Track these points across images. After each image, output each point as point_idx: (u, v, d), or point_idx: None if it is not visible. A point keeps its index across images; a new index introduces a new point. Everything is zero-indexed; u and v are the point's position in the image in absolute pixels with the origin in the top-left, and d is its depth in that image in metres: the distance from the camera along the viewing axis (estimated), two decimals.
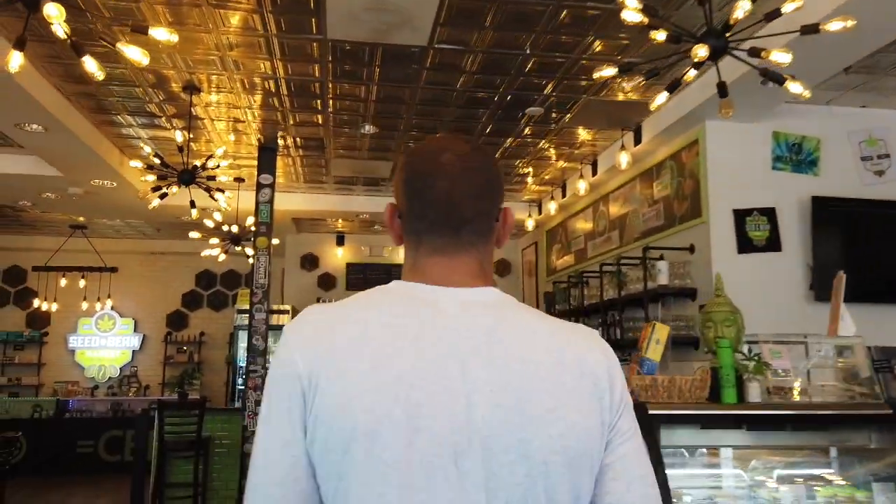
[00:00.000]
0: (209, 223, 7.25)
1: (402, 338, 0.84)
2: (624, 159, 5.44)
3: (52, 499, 7.62)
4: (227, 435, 6.92)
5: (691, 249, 5.03)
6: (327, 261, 9.65)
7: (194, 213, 5.41)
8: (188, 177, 4.85)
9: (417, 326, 0.85)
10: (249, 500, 0.84)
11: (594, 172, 6.47)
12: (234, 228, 7.07)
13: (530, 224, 8.03)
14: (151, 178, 4.98)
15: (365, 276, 9.70)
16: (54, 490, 8.11)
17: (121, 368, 10.85)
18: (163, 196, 5.06)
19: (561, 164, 6.76)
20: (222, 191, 5.30)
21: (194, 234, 7.13)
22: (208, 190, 5.15)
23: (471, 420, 0.81)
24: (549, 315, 0.95)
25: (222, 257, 7.54)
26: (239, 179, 7.30)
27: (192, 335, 11.04)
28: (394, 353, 0.83)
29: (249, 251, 7.30)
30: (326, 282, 9.62)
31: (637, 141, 5.52)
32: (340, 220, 8.93)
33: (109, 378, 10.75)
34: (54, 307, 10.20)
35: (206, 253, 7.52)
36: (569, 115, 5.46)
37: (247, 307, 9.17)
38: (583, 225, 7.36)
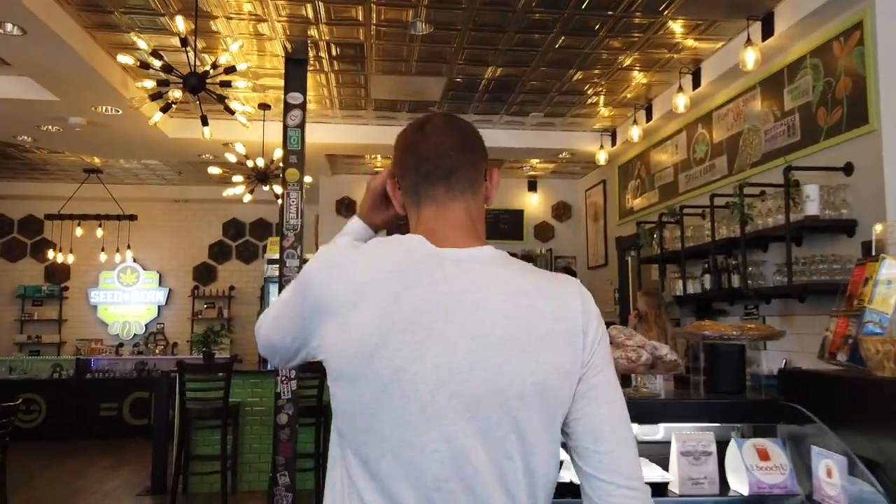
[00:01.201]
0: (231, 158, 6.23)
1: (404, 285, 0.98)
2: (751, 57, 4.21)
3: (72, 465, 6.91)
4: (259, 401, 6.03)
5: (847, 170, 3.84)
6: None
7: (207, 133, 4.36)
8: (196, 81, 3.77)
9: (415, 278, 0.99)
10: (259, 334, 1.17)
11: (696, 84, 5.23)
12: (261, 162, 6.02)
13: (602, 157, 6.85)
14: (149, 83, 3.91)
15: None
16: (75, 456, 7.41)
17: (146, 325, 10.10)
18: (166, 108, 4.00)
19: (648, 77, 5.54)
20: (241, 105, 4.22)
21: (214, 170, 6.12)
22: (222, 101, 4.07)
23: (452, 360, 0.95)
24: (535, 268, 1.08)
25: (248, 198, 6.55)
26: (264, 106, 6.24)
27: (221, 289, 10.21)
28: (395, 298, 0.97)
29: (279, 190, 6.28)
30: None
31: (768, 33, 4.27)
32: (380, 158, 7.85)
33: (134, 335, 10.01)
34: (70, 259, 9.41)
35: (228, 192, 6.53)
36: (669, 9, 4.26)
37: (276, 256, 8.25)
38: (670, 155, 6.16)
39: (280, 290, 5.05)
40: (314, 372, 5.29)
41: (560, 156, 7.32)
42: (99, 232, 9.11)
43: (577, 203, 8.83)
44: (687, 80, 5.25)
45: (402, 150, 1.12)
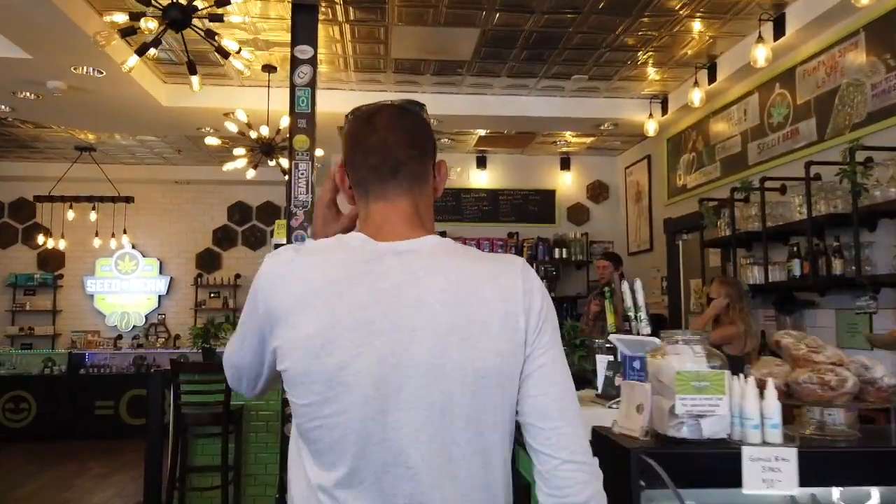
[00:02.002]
0: (232, 127, 5.47)
1: (347, 285, 1.01)
2: None
3: (61, 472, 6.24)
4: (265, 405, 5.30)
5: None
6: None
7: (196, 83, 3.59)
8: (179, 14, 2.98)
9: (355, 277, 1.02)
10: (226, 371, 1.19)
11: (778, 34, 4.41)
12: (265, 131, 5.25)
13: (651, 127, 6.03)
14: (121, 17, 3.12)
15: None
16: (66, 460, 6.75)
17: (146, 316, 9.40)
18: (142, 50, 3.22)
19: (715, 29, 4.71)
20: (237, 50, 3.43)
21: (212, 141, 5.36)
22: (212, 38, 3.28)
23: (394, 353, 0.98)
24: (479, 253, 1.10)
25: (251, 174, 5.79)
26: (269, 68, 5.47)
27: (227, 277, 9.49)
28: (339, 297, 1.00)
29: (287, 163, 5.53)
30: None
31: None
32: None
33: (134, 327, 9.32)
34: (62, 244, 8.71)
35: (229, 167, 5.76)
36: None
37: (283, 241, 7.51)
38: (736, 123, 5.34)
39: None
40: None
41: (601, 127, 6.51)
42: (93, 215, 8.39)
43: (614, 182, 8.02)
44: (768, 29, 4.42)
45: (349, 143, 1.13)
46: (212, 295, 9.46)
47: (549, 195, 7.98)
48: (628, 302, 3.24)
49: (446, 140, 7.31)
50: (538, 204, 7.94)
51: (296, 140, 4.28)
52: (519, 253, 7.58)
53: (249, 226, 9.74)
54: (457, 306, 1.00)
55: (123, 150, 8.31)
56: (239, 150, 5.56)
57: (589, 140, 7.34)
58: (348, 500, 0.99)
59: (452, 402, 0.99)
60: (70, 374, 7.92)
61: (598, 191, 8.03)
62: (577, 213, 7.98)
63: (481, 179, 7.91)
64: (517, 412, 1.05)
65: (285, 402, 4.40)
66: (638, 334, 3.22)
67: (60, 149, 8.20)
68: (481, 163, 7.92)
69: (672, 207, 6.48)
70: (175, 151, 8.42)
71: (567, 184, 7.99)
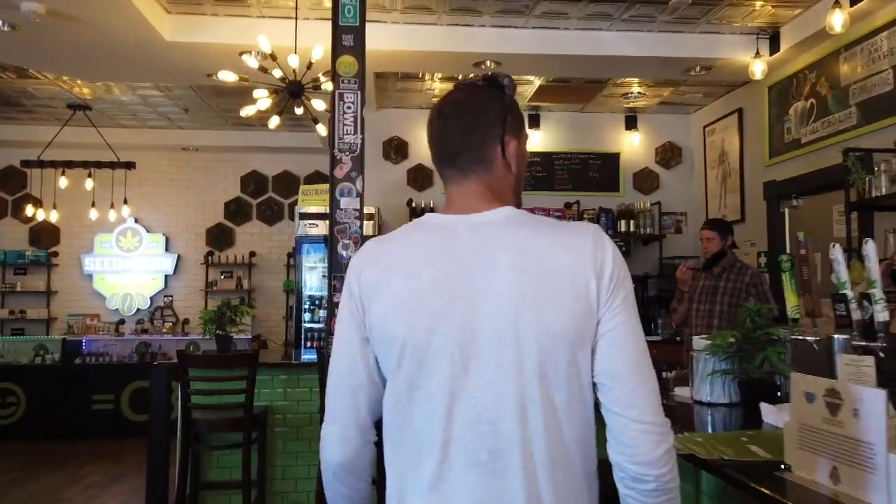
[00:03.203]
0: (252, 62, 4.42)
1: (423, 261, 1.11)
2: None
3: (49, 483, 5.29)
4: (296, 406, 4.30)
5: None
6: (420, 148, 6.80)
7: None
8: None
9: (435, 250, 1.12)
10: (329, 383, 1.21)
11: None
12: (294, 62, 4.18)
13: (758, 69, 4.95)
14: None
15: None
16: (58, 463, 5.80)
17: (151, 298, 8.42)
18: None
19: None
20: None
21: (227, 76, 4.28)
22: None
23: (473, 319, 1.07)
24: (553, 221, 1.16)
25: (275, 122, 4.74)
26: None
27: (240, 255, 8.49)
28: (416, 274, 1.10)
29: (319, 104, 4.48)
30: (420, 177, 6.79)
31: None
32: (439, 82, 6.01)
33: (138, 310, 8.34)
34: (54, 216, 7.72)
35: (248, 111, 4.68)
36: None
37: (311, 209, 6.50)
38: (882, 55, 4.25)
39: (329, 246, 3.32)
40: None
41: (691, 72, 5.42)
42: (89, 183, 7.37)
43: (688, 144, 6.93)
44: None
45: (428, 132, 1.23)
46: (224, 275, 8.47)
47: (613, 159, 6.91)
48: (842, 276, 2.23)
49: None
50: (599, 170, 6.88)
51: (340, 63, 3.25)
52: None
53: (265, 198, 8.72)
54: (530, 272, 1.07)
55: (123, 108, 7.28)
56: (260, 92, 4.50)
57: (666, 92, 6.25)
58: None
59: (528, 361, 1.05)
60: (65, 364, 6.95)
61: (669, 154, 6.95)
62: (645, 180, 6.92)
63: (534, 141, 6.85)
64: (592, 372, 1.09)
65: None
66: (867, 323, 2.19)
67: (51, 107, 7.18)
68: (534, 122, 6.85)
69: (776, 168, 5.41)
70: (182, 111, 7.38)
71: (633, 146, 6.91)
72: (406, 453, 1.10)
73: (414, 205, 6.48)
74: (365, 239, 3.28)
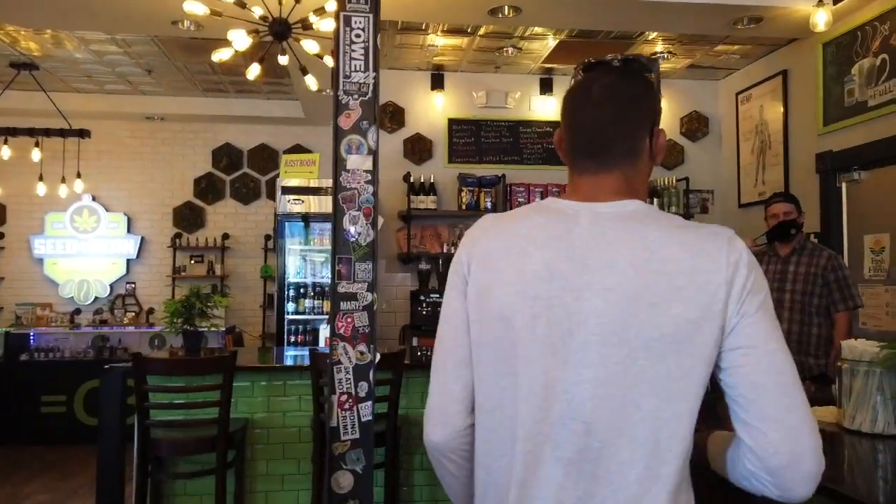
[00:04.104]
0: None
1: (537, 244, 1.07)
2: None
3: None
4: (277, 418, 3.52)
5: None
6: (418, 115, 6.00)
7: None
8: None
9: (552, 235, 1.07)
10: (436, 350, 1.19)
11: None
12: None
13: (821, 19, 4.24)
14: None
15: (478, 139, 6.04)
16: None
17: (111, 286, 7.52)
18: None
19: None
20: None
21: (194, 7, 3.41)
22: None
23: (580, 311, 1.01)
24: (683, 222, 1.08)
25: (255, 72, 3.89)
26: None
27: (212, 238, 7.62)
28: (529, 255, 1.06)
29: (311, 45, 3.66)
30: (419, 148, 6.00)
31: None
32: (443, 36, 5.21)
33: (96, 299, 7.44)
34: None
35: (220, 56, 3.82)
36: None
37: (294, 183, 5.64)
38: None
39: (337, 218, 2.57)
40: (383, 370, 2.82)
41: (739, 24, 4.69)
42: (36, 153, 6.43)
43: (716, 114, 6.24)
44: None
45: (565, 110, 1.15)
46: (194, 259, 7.60)
47: None
48: None
49: (510, 50, 5.45)
50: None
51: None
52: None
53: (240, 174, 7.84)
54: (649, 272, 1.01)
55: (75, 68, 6.34)
56: (236, 33, 3.65)
57: (698, 54, 5.53)
58: None
59: (635, 365, 0.99)
60: (9, 361, 6.08)
61: (695, 125, 6.24)
62: (670, 154, 6.21)
63: (546, 109, 6.10)
64: (726, 384, 1.03)
65: (322, 425, 2.66)
66: None
67: None
68: (546, 87, 6.09)
69: (831, 137, 4.73)
70: (144, 72, 6.47)
71: None
72: (495, 440, 1.08)
73: (412, 179, 5.70)
74: (373, 209, 2.50)
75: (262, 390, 3.49)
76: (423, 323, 5.37)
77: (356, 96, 2.48)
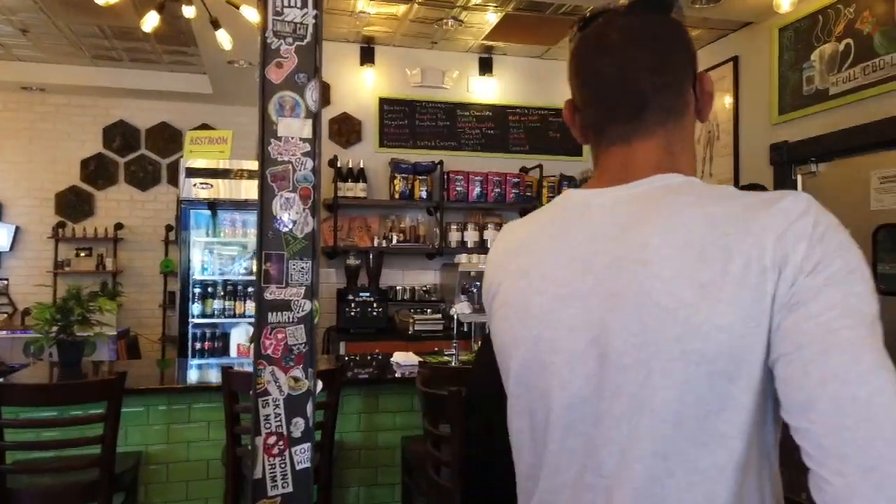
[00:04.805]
0: None
1: (543, 246, 0.85)
2: None
3: None
4: (179, 451, 2.85)
5: None
6: (345, 92, 5.38)
7: None
8: None
9: (558, 234, 0.84)
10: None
11: None
12: None
13: (785, 1, 3.99)
14: None
15: (412, 121, 5.50)
16: None
17: None
18: None
19: None
20: None
21: None
22: None
23: (588, 323, 0.77)
24: (730, 192, 0.77)
25: (152, 22, 3.16)
26: None
27: (102, 228, 6.69)
28: (534, 260, 0.84)
29: None
30: (346, 129, 5.38)
31: None
32: (374, 8, 4.62)
33: None
34: None
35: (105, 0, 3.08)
36: None
37: (200, 164, 4.85)
38: None
39: (262, 207, 1.98)
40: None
41: (697, 4, 4.38)
42: None
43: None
44: None
45: (576, 69, 0.88)
46: (81, 252, 6.64)
47: None
48: None
49: (449, 22, 4.93)
50: (562, 128, 5.77)
51: None
52: (538, 196, 5.42)
53: (136, 156, 6.94)
54: (669, 268, 0.72)
55: None
56: None
57: None
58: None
59: (655, 394, 0.70)
60: None
61: None
62: None
63: (486, 90, 5.63)
64: (782, 408, 0.68)
65: (237, 459, 2.09)
66: None
67: None
68: (486, 67, 5.62)
69: (787, 127, 4.51)
70: (18, 32, 5.49)
71: None
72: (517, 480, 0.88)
73: (339, 164, 5.08)
74: (314, 191, 1.92)
75: (160, 416, 2.82)
76: (353, 325, 4.78)
77: (290, 40, 1.90)
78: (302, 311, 1.89)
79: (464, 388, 2.37)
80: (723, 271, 0.69)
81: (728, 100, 5.12)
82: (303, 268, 1.89)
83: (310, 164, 1.85)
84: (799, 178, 4.51)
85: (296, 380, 1.89)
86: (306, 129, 1.84)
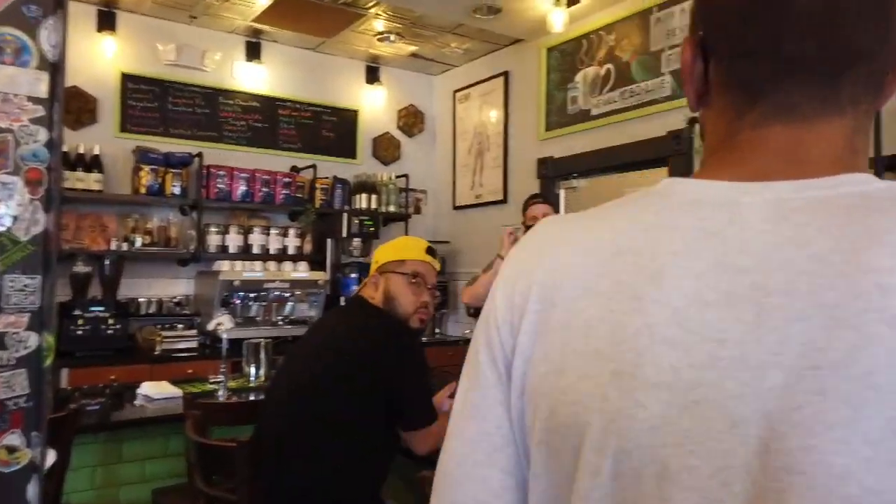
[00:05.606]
0: None
1: (660, 260, 0.52)
2: None
3: None
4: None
5: None
6: (77, 62, 4.39)
7: None
8: None
9: (675, 250, 0.52)
10: None
11: None
12: None
13: (557, 19, 4.18)
14: None
15: (164, 104, 4.72)
16: None
17: None
18: None
19: None
20: None
21: None
22: None
23: (759, 413, 0.46)
24: None
25: None
26: None
27: None
28: (643, 279, 0.52)
29: None
30: (76, 107, 4.40)
31: None
32: None
33: None
34: None
35: None
36: None
37: None
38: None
39: None
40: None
41: (477, 13, 4.40)
42: None
43: (432, 111, 5.96)
44: None
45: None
46: None
47: (350, 117, 5.54)
48: None
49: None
50: (335, 128, 5.45)
51: None
52: (310, 198, 5.03)
53: None
54: (789, 305, 0.47)
55: None
56: None
57: (423, 43, 5.13)
58: None
59: (752, 457, 0.46)
60: None
61: (412, 119, 5.87)
62: (386, 147, 5.72)
63: (253, 79, 5.08)
64: None
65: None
66: None
67: None
68: (254, 52, 5.07)
69: (554, 143, 4.75)
70: None
71: (375, 105, 5.65)
72: None
73: (67, 149, 4.14)
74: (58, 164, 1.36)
75: None
76: (80, 347, 3.90)
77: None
78: (24, 348, 1.32)
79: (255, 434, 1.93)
80: (872, 310, 0.45)
81: (494, 113, 5.27)
82: (26, 286, 1.33)
83: (43, 135, 1.30)
84: (562, 192, 4.78)
85: (10, 451, 1.31)
86: (41, 86, 1.29)
